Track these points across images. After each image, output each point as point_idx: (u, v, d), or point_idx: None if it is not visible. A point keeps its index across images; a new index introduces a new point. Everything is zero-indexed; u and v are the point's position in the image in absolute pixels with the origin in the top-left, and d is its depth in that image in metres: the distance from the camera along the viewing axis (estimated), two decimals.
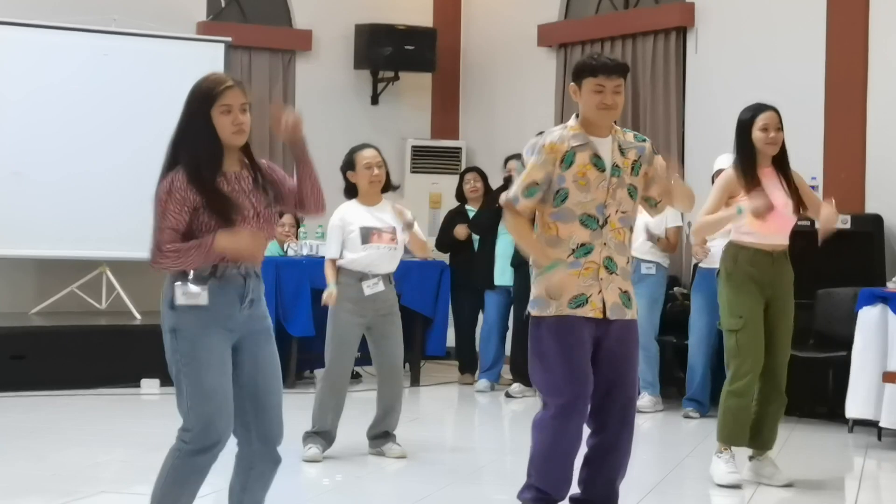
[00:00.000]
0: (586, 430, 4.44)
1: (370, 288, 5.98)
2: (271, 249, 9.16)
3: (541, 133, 4.45)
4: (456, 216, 9.38)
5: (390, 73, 10.90)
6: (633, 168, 4.38)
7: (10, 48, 9.18)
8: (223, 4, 10.48)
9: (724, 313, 5.48)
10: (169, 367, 3.70)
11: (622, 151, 4.37)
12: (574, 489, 4.48)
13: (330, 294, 5.96)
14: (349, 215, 6.04)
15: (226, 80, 3.71)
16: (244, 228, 3.65)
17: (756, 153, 5.38)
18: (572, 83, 4.41)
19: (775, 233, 5.40)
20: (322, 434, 6.02)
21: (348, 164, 6.07)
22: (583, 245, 4.31)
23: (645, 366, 7.91)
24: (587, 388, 4.30)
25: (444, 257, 9.40)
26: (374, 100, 11.02)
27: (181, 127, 3.69)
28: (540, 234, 4.39)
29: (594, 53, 4.51)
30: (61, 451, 6.26)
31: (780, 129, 5.40)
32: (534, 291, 4.39)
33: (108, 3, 9.70)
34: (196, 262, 3.62)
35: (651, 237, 7.82)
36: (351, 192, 6.10)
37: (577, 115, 4.42)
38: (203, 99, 3.65)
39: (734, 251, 5.43)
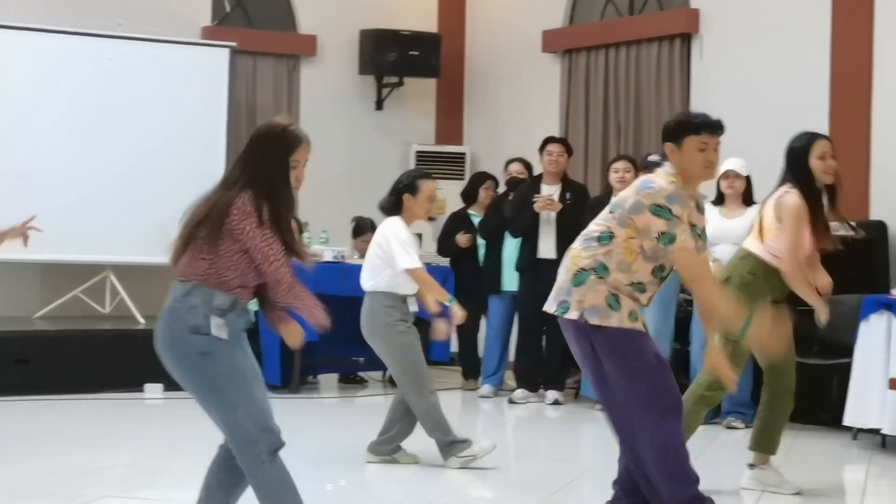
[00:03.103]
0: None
1: (413, 305, 6.07)
2: None
3: (657, 185, 4.21)
4: (458, 220, 9.34)
5: (395, 79, 10.91)
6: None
7: (15, 52, 9.20)
8: (228, 9, 10.50)
9: None
10: (197, 386, 3.76)
11: (700, 210, 4.33)
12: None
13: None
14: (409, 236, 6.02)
15: (305, 136, 3.82)
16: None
17: (814, 181, 5.35)
18: (669, 143, 4.26)
19: None
20: (459, 441, 5.98)
21: (411, 188, 5.99)
22: (639, 283, 4.22)
23: None
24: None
25: (445, 261, 9.37)
26: (379, 105, 11.03)
27: (261, 161, 3.75)
28: (613, 249, 4.21)
29: (688, 111, 4.40)
30: (65, 455, 6.25)
31: (835, 156, 5.40)
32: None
33: (113, 7, 9.71)
34: (300, 306, 3.79)
35: None
36: (395, 209, 6.03)
37: (671, 172, 4.24)
38: (288, 145, 3.77)
39: (760, 268, 5.33)
